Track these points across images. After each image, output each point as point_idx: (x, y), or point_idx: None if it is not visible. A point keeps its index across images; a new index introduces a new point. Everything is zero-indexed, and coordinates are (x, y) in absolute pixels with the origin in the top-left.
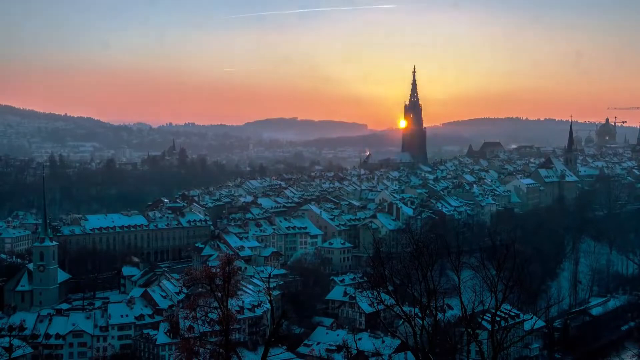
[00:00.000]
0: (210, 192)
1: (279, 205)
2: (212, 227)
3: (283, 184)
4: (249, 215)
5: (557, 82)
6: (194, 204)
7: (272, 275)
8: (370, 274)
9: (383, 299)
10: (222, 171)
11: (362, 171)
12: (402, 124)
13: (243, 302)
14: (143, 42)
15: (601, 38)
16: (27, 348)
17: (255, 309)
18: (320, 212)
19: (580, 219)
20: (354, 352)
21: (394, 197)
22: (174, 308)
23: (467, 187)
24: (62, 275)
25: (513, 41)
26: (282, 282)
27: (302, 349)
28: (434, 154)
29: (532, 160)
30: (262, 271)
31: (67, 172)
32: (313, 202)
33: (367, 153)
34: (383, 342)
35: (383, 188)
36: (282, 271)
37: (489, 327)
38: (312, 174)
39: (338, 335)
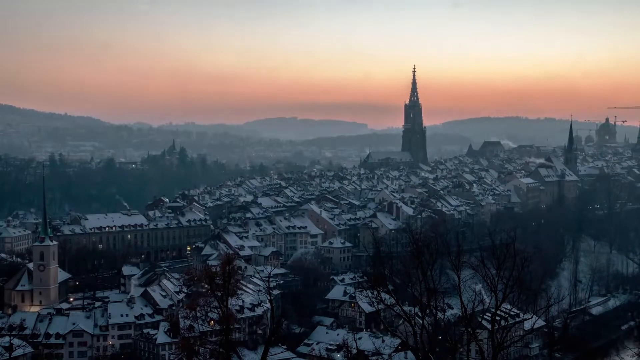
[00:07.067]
0: (210, 192)
1: (279, 204)
2: (212, 226)
3: (283, 183)
4: (249, 215)
5: (557, 82)
6: (194, 203)
7: (272, 275)
8: (371, 273)
9: (383, 299)
10: (222, 171)
11: (362, 170)
12: (402, 123)
13: (243, 301)
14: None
15: (601, 38)
16: (27, 347)
17: (255, 308)
18: (320, 211)
19: (580, 218)
20: (354, 351)
21: (394, 196)
22: (174, 307)
23: (467, 187)
24: (62, 275)
25: (513, 41)
26: (282, 282)
27: (302, 349)
28: (434, 153)
29: (532, 159)
30: (262, 270)
31: (67, 172)
32: (313, 202)
33: (367, 152)
34: (383, 341)
35: (383, 187)
36: (282, 271)
37: (489, 326)
38: (312, 173)
39: (338, 334)
